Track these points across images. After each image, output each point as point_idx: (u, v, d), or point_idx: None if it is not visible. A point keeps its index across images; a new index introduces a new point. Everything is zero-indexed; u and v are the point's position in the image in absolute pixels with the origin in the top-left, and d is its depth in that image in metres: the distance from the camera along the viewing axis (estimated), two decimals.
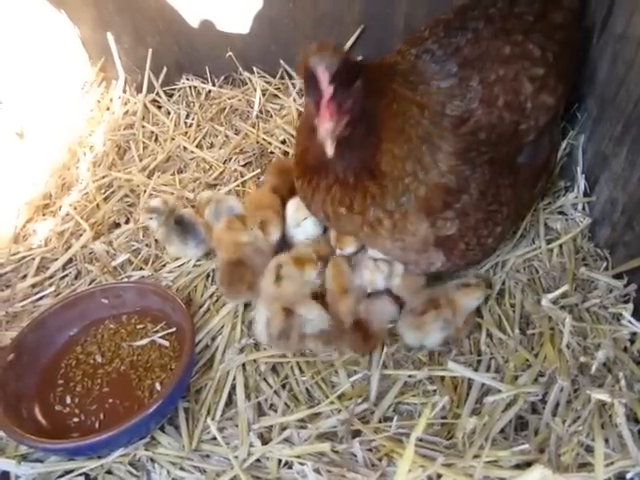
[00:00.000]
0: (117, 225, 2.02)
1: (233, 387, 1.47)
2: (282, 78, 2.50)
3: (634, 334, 1.46)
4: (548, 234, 1.78)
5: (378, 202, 1.38)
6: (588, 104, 1.82)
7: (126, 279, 1.78)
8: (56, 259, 1.87)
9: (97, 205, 2.07)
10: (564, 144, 1.88)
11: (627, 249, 1.57)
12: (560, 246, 1.74)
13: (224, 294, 1.66)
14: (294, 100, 2.38)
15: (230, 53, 2.43)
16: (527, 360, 1.46)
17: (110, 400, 1.42)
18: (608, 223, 1.67)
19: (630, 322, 1.47)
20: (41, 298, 1.75)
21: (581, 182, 1.81)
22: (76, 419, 1.39)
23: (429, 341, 1.51)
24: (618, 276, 1.59)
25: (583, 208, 1.81)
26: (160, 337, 1.54)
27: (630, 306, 1.51)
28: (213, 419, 1.39)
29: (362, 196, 1.38)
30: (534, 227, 1.80)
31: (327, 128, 1.17)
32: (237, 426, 1.37)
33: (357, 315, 1.52)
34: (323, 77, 1.13)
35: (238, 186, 2.10)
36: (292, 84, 2.47)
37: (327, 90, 1.14)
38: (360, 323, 1.51)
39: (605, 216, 1.69)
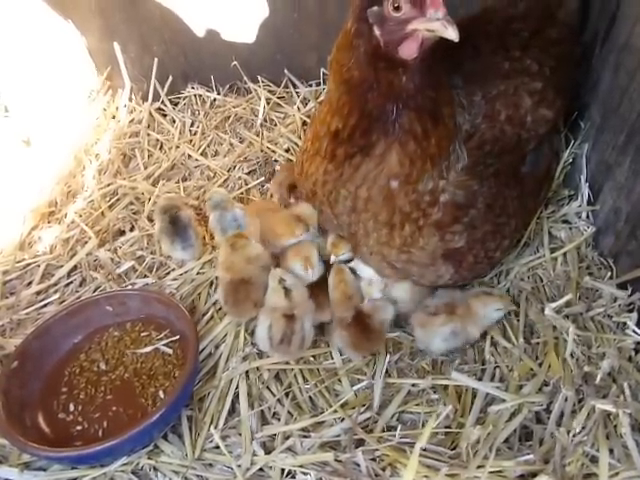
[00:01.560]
0: (122, 233, 2.02)
1: (236, 395, 1.47)
2: (286, 87, 2.51)
3: (638, 343, 1.45)
4: (552, 243, 1.78)
5: (433, 166, 1.33)
6: (592, 113, 1.82)
7: (130, 287, 1.78)
8: (61, 266, 1.88)
9: (102, 213, 2.08)
10: (568, 153, 1.89)
11: (631, 258, 1.57)
12: (564, 255, 1.73)
13: (229, 313, 1.63)
14: (298, 109, 2.40)
15: (235, 62, 2.45)
16: (531, 369, 1.45)
17: (114, 408, 1.42)
18: (612, 232, 1.67)
19: (634, 331, 1.46)
20: (45, 305, 1.76)
21: (585, 191, 1.81)
22: (79, 427, 1.39)
23: (433, 345, 1.50)
24: (622, 285, 1.59)
25: (587, 217, 1.81)
26: (164, 345, 1.55)
27: (634, 315, 1.50)
28: (216, 428, 1.39)
29: (423, 158, 1.31)
30: (538, 235, 1.80)
31: (445, 11, 1.08)
32: (240, 435, 1.37)
33: (358, 309, 1.53)
34: None
35: (242, 194, 2.11)
36: (296, 93, 2.48)
37: None
38: (361, 316, 1.50)
39: (609, 225, 1.69)
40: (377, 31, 1.18)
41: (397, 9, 1.12)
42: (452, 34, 1.08)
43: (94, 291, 1.79)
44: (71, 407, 1.43)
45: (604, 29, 1.72)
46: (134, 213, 2.08)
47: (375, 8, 1.15)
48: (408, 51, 1.18)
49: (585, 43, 1.79)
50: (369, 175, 1.36)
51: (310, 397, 1.48)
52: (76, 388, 1.48)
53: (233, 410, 1.45)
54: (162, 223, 1.83)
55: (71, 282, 1.84)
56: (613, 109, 1.67)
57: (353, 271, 1.63)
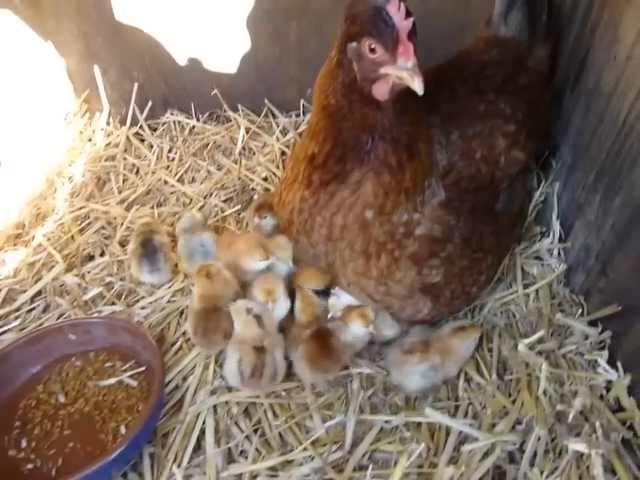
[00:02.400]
0: (91, 258, 1.96)
1: (202, 431, 1.41)
2: (266, 117, 2.53)
3: (609, 382, 1.45)
4: (525, 278, 1.79)
5: (407, 199, 1.33)
6: (563, 153, 1.88)
7: (96, 314, 1.72)
8: (24, 291, 1.80)
9: (72, 237, 2.02)
10: (540, 190, 1.93)
11: (602, 296, 1.59)
12: (536, 291, 1.75)
13: (198, 345, 1.57)
14: (277, 139, 2.41)
15: (216, 91, 2.46)
16: (504, 407, 1.44)
17: (70, 444, 1.35)
18: (583, 269, 1.69)
19: (605, 370, 1.47)
20: (4, 332, 1.68)
21: (556, 228, 1.85)
22: (30, 465, 1.31)
23: (409, 384, 1.48)
24: (593, 322, 1.60)
25: (559, 254, 1.84)
26: (128, 377, 1.48)
27: (605, 353, 1.51)
28: (179, 466, 1.32)
29: (397, 191, 1.32)
30: (511, 271, 1.81)
31: (415, 63, 1.09)
32: (205, 474, 1.31)
33: (321, 325, 1.51)
34: (398, 12, 1.07)
35: (218, 221, 2.09)
36: (276, 123, 2.50)
37: (405, 24, 1.08)
38: (322, 332, 1.48)
39: (580, 262, 1.72)
40: (355, 67, 1.20)
41: (372, 51, 1.14)
42: (417, 87, 1.10)
43: (58, 318, 1.71)
44: (23, 443, 1.35)
45: (574, 74, 1.79)
46: (105, 238, 2.03)
47: (354, 44, 1.17)
48: (381, 91, 1.20)
49: (556, 87, 1.86)
50: (345, 203, 1.36)
51: (280, 433, 1.43)
52: (30, 422, 1.40)
53: (198, 447, 1.39)
54: (133, 245, 1.80)
55: (34, 308, 1.77)
56: (583, 149, 1.72)
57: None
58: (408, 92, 1.16)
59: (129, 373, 1.49)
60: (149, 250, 1.77)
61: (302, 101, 2.47)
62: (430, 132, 1.41)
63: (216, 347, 1.55)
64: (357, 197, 1.34)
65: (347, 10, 1.16)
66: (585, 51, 1.72)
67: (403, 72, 1.11)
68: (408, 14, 1.08)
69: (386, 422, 1.43)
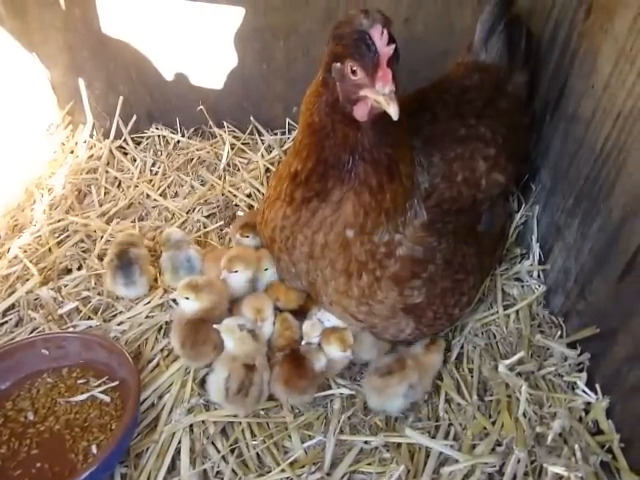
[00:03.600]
0: (69, 271, 1.92)
1: (178, 451, 1.37)
2: (252, 134, 2.53)
3: (588, 404, 1.46)
4: (505, 300, 1.81)
5: (388, 219, 1.34)
6: (542, 177, 1.92)
7: (71, 329, 1.67)
8: None
9: (49, 249, 1.98)
10: (520, 213, 1.96)
11: (580, 318, 1.61)
12: (517, 312, 1.76)
13: (185, 358, 1.53)
14: (262, 156, 2.41)
15: (201, 107, 2.46)
16: (485, 428, 1.43)
17: (38, 464, 1.30)
18: (562, 292, 1.71)
19: (584, 392, 1.48)
20: None
21: (536, 250, 1.87)
22: None
23: (391, 406, 1.46)
24: (572, 344, 1.61)
25: (538, 275, 1.86)
26: (102, 393, 1.44)
27: (584, 375, 1.52)
28: None
29: (378, 211, 1.33)
30: (492, 292, 1.82)
31: (392, 89, 1.10)
32: None
33: (295, 347, 1.50)
34: (383, 36, 1.09)
35: (200, 237, 2.07)
36: (261, 140, 2.51)
37: (386, 51, 1.09)
38: (296, 354, 1.47)
39: (559, 284, 1.74)
40: (338, 87, 1.22)
41: (354, 73, 1.16)
42: (392, 112, 1.12)
43: (31, 332, 1.66)
44: None
45: (554, 100, 1.84)
46: (84, 251, 1.99)
47: (338, 65, 1.19)
48: (360, 112, 1.22)
49: (536, 112, 1.91)
50: (326, 221, 1.37)
51: (257, 454, 1.40)
52: None
53: (173, 468, 1.35)
54: (109, 257, 1.77)
55: (6, 322, 1.72)
56: (562, 174, 1.76)
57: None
58: (389, 115, 1.18)
59: (101, 388, 1.45)
60: (124, 262, 1.74)
61: (287, 119, 2.49)
62: (412, 155, 1.43)
63: (205, 359, 1.53)
64: (338, 216, 1.35)
65: (334, 30, 1.19)
66: (564, 79, 1.77)
67: (380, 96, 1.13)
68: (391, 40, 1.10)
69: (366, 443, 1.42)
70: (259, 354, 1.47)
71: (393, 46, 1.10)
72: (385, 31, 1.09)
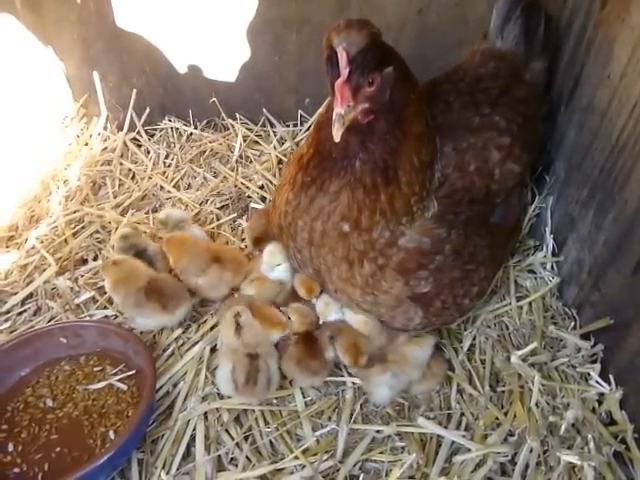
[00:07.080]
0: (85, 261, 1.95)
1: (192, 438, 1.39)
2: (264, 126, 2.54)
3: (602, 395, 1.46)
4: (518, 291, 1.80)
5: (385, 220, 1.34)
6: (557, 168, 1.90)
7: (88, 318, 1.70)
8: (15, 293, 1.78)
9: (65, 240, 2.01)
10: (534, 205, 1.95)
11: (594, 309, 1.60)
12: (530, 304, 1.75)
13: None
14: (274, 147, 2.42)
15: (214, 99, 2.47)
16: (497, 418, 1.43)
17: (57, 449, 1.32)
18: (575, 283, 1.70)
19: (597, 382, 1.48)
20: None
21: (549, 242, 1.86)
22: (17, 469, 1.28)
23: (377, 397, 1.48)
24: (585, 336, 1.61)
25: (552, 267, 1.85)
26: (119, 381, 1.47)
27: (597, 366, 1.52)
28: (168, 473, 1.30)
29: (372, 209, 1.33)
30: (504, 284, 1.82)
31: (337, 112, 1.12)
32: None
33: (310, 329, 1.55)
34: (342, 57, 1.10)
35: (213, 228, 2.08)
36: (273, 132, 2.51)
37: (344, 72, 1.11)
38: (310, 335, 1.52)
39: (573, 276, 1.73)
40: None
41: (332, 87, 1.18)
42: (334, 133, 1.14)
43: (49, 321, 1.70)
44: (10, 447, 1.32)
45: (569, 90, 1.82)
46: (99, 242, 2.02)
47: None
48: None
49: (551, 102, 1.89)
50: (323, 210, 1.38)
51: (270, 441, 1.42)
52: (18, 426, 1.37)
53: (188, 454, 1.38)
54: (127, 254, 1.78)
55: (25, 311, 1.75)
56: (577, 165, 1.74)
57: None
58: (398, 125, 1.23)
59: (119, 376, 1.47)
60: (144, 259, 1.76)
61: (300, 111, 2.49)
62: (419, 168, 1.37)
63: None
64: (335, 206, 1.36)
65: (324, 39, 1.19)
66: (580, 68, 1.75)
67: (333, 116, 1.15)
68: (350, 62, 1.10)
69: (378, 432, 1.43)
70: (263, 343, 1.49)
71: (348, 70, 1.10)
72: (344, 53, 1.09)
